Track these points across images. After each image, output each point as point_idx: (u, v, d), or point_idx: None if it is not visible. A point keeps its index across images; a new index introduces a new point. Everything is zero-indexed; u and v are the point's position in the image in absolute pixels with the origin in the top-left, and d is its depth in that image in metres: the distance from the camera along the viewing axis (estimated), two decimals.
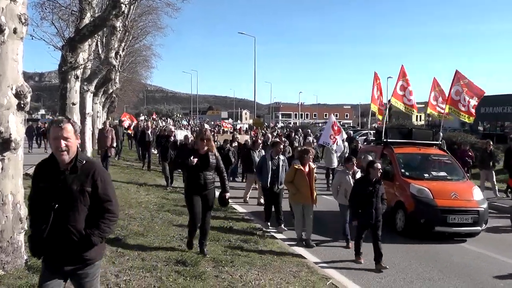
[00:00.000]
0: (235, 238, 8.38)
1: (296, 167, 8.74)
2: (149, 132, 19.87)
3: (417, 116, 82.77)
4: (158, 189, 13.67)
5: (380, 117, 16.83)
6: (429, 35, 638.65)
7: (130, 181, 14.92)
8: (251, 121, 74.11)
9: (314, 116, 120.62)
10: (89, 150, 19.44)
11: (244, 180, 16.26)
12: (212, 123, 75.43)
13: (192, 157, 6.76)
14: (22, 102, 5.30)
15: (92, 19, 12.90)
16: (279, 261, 7.25)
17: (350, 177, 8.81)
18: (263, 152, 13.10)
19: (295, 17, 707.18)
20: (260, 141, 14.70)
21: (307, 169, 8.78)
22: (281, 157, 10.32)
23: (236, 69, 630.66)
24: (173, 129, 17.17)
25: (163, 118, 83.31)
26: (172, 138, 15.35)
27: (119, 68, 27.22)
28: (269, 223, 9.99)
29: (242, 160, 14.36)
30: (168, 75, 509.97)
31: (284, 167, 10.11)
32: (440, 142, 13.17)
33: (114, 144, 16.11)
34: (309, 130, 33.81)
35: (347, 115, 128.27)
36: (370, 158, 9.54)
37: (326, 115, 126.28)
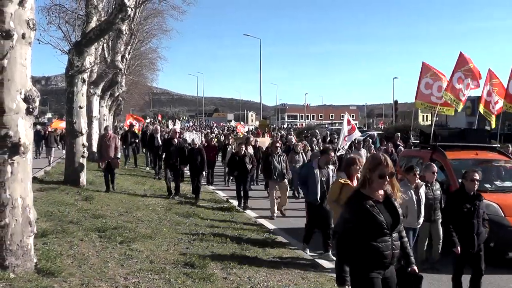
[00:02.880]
0: (243, 240, 8.39)
1: (342, 181, 6.87)
2: (158, 136, 18.15)
3: (423, 116, 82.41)
4: (166, 192, 13.69)
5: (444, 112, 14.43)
6: (435, 32, 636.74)
7: (137, 184, 14.98)
8: (257, 123, 74.19)
9: (320, 117, 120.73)
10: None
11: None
12: (215, 125, 75.50)
13: (375, 211, 3.70)
14: (30, 106, 5.34)
15: (98, 23, 12.98)
16: (287, 263, 7.25)
17: (412, 191, 7.08)
18: (283, 157, 12.07)
19: (300, 18, 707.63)
20: (279, 145, 12.96)
21: (355, 183, 6.72)
22: (331, 166, 8.61)
23: (242, 71, 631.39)
24: (177, 130, 15.32)
25: (169, 121, 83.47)
26: (176, 140, 13.46)
27: (125, 71, 27.40)
28: (308, 249, 8.29)
29: (263, 166, 12.91)
30: (174, 77, 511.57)
31: (334, 178, 8.21)
32: (499, 145, 11.18)
33: (119, 155, 13.50)
34: (328, 132, 30.91)
35: (353, 116, 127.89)
36: (435, 166, 7.82)
37: (332, 116, 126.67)
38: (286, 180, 12.15)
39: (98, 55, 19.00)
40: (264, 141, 19.78)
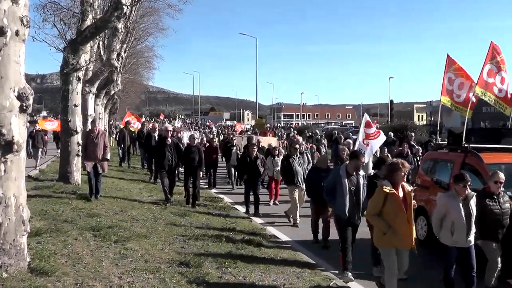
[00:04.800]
0: (239, 239, 8.36)
1: (387, 190, 5.70)
2: (155, 135, 16.23)
3: (418, 116, 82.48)
4: (161, 191, 13.60)
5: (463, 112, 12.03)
6: (437, 32, 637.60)
7: (133, 183, 14.92)
8: (253, 122, 74.13)
9: (316, 116, 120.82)
10: None
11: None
12: (208, 123, 75.06)
13: None
14: (24, 104, 5.29)
15: (93, 21, 12.91)
16: (283, 262, 7.24)
17: (461, 204, 6.04)
18: (303, 159, 11.36)
19: (298, 17, 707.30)
20: (298, 146, 11.80)
21: (401, 193, 5.77)
22: (361, 172, 7.28)
23: (238, 70, 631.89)
24: (169, 129, 13.02)
25: (166, 120, 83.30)
26: (169, 140, 11.80)
27: (121, 70, 27.24)
28: (349, 273, 6.83)
29: (281, 169, 11.72)
30: (170, 76, 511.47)
31: (365, 186, 7.21)
32: None
33: (108, 155, 11.21)
34: (336, 132, 29.00)
35: (349, 115, 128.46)
36: (501, 175, 6.53)
37: (328, 115, 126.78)
38: (304, 186, 10.80)
39: (94, 53, 18.88)
40: (268, 141, 17.98)
